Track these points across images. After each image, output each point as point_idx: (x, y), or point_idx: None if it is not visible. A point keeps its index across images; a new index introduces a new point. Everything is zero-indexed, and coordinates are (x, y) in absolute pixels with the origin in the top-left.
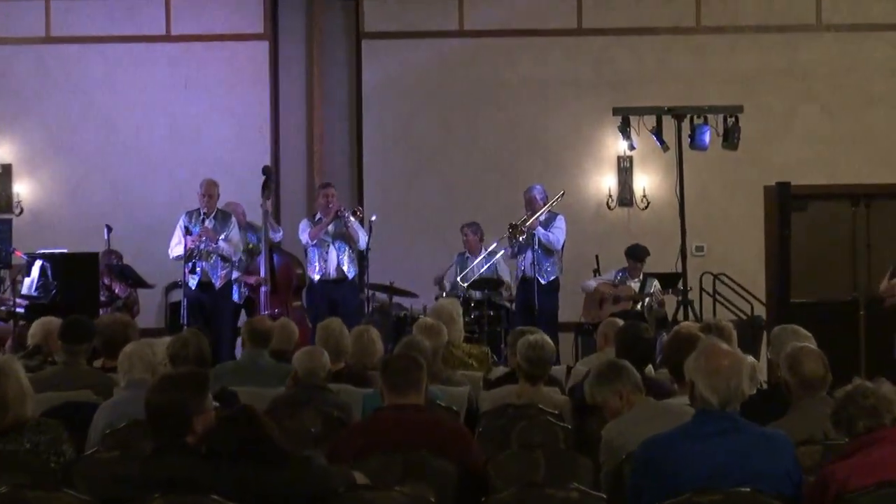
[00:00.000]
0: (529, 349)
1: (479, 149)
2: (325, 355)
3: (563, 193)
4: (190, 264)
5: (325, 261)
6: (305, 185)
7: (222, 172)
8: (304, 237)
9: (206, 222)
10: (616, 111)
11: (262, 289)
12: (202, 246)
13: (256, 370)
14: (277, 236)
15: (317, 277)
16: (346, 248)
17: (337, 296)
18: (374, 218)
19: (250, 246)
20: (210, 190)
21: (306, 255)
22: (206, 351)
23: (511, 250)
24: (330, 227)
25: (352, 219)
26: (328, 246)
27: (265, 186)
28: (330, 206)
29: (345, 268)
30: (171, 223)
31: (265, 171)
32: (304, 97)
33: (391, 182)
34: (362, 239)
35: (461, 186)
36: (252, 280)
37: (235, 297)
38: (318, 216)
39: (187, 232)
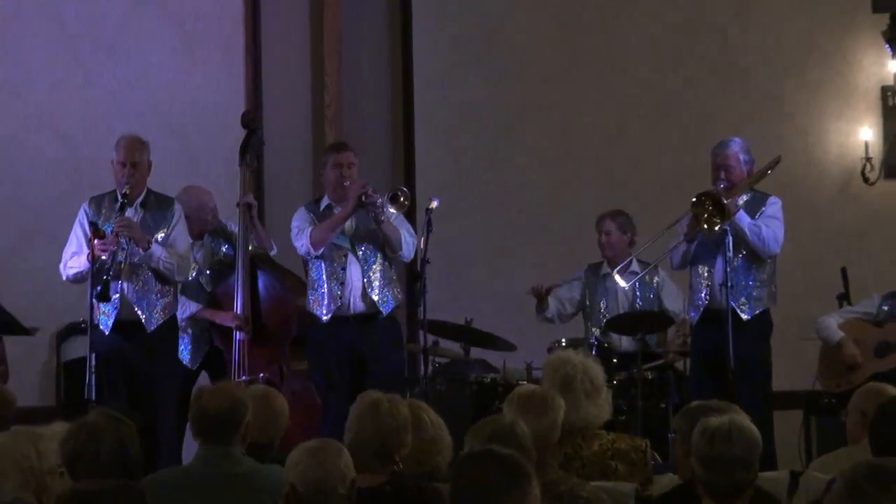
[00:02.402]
0: (713, 442)
1: (622, 75)
2: (345, 456)
3: (778, 159)
4: (98, 288)
5: (343, 283)
6: (310, 153)
7: (156, 131)
8: (301, 242)
9: (128, 212)
10: (879, 4)
11: (237, 336)
12: (120, 257)
13: (218, 483)
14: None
15: (326, 314)
16: (379, 259)
17: (364, 346)
18: (434, 204)
19: (217, 258)
20: (133, 154)
21: (307, 273)
22: (135, 448)
23: (683, 252)
24: (349, 223)
25: (390, 209)
26: (345, 257)
27: (246, 150)
28: (346, 184)
29: (376, 295)
30: (64, 221)
31: (247, 121)
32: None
33: (463, 144)
34: (408, 242)
35: (591, 147)
36: (219, 318)
37: (186, 358)
38: (323, 203)
39: (95, 234)
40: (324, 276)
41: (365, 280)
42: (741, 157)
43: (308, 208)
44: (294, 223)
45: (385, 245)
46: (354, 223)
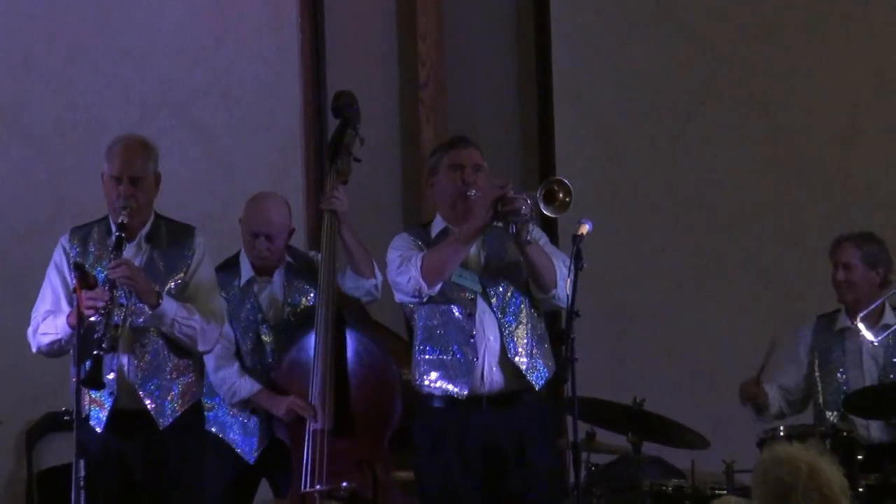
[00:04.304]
0: None
1: (865, 36)
2: None
3: None
4: (87, 366)
5: (468, 343)
6: (398, 156)
7: (169, 127)
8: (408, 275)
9: (127, 250)
10: None
11: (311, 426)
12: (117, 318)
13: None
14: (367, 286)
15: (443, 393)
16: (525, 307)
17: (504, 439)
18: (586, 229)
19: (293, 307)
20: (133, 164)
21: (409, 326)
22: None
23: None
24: (474, 252)
25: (534, 229)
26: (473, 303)
27: (338, 150)
28: (470, 193)
29: (524, 361)
30: (35, 263)
31: (340, 104)
32: None
33: (623, 139)
34: (565, 276)
35: (818, 142)
36: (283, 410)
37: (247, 447)
38: (434, 227)
39: (81, 282)
40: (438, 332)
41: (505, 337)
42: None
43: (413, 233)
44: (393, 253)
45: (533, 281)
46: (484, 252)
